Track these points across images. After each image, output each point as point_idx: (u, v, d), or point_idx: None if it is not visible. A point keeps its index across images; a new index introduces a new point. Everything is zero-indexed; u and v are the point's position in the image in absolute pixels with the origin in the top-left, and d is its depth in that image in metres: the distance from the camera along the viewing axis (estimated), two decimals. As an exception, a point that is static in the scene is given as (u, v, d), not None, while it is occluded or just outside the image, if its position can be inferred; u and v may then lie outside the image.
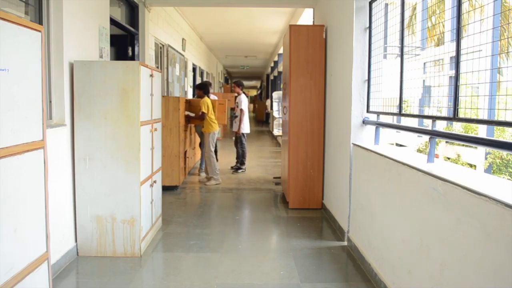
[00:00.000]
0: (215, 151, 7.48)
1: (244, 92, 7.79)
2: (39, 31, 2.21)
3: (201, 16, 9.29)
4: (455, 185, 1.92)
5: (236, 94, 7.60)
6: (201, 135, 6.99)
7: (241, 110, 7.29)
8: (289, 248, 3.74)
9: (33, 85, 2.18)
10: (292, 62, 4.81)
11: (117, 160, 3.34)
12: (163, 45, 7.37)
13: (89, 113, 3.31)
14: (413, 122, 5.02)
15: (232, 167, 7.59)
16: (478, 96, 2.18)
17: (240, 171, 7.40)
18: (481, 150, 11.04)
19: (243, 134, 7.37)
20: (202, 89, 6.49)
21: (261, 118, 24.33)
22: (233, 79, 29.13)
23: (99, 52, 3.88)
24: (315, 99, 4.84)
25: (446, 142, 11.52)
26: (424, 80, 3.46)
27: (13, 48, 2.00)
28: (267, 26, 10.09)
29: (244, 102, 7.38)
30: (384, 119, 3.45)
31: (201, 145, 7.65)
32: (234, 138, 7.62)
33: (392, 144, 5.33)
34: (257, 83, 30.73)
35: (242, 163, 7.44)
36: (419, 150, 11.12)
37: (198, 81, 11.93)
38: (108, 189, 3.37)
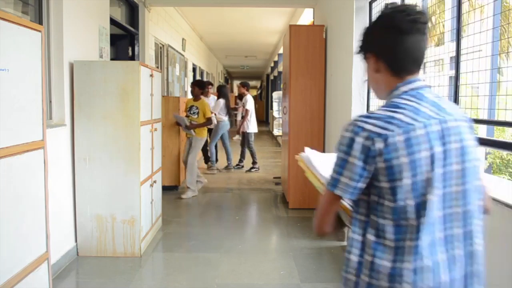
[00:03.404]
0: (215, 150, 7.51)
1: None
2: (39, 31, 2.21)
3: (201, 16, 9.28)
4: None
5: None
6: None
7: (247, 110, 7.38)
8: (289, 248, 3.74)
9: (33, 85, 2.18)
10: (292, 62, 4.81)
11: (117, 160, 3.34)
12: (163, 45, 7.37)
13: (89, 113, 3.31)
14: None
15: (234, 167, 7.60)
16: (478, 96, 2.18)
17: (253, 170, 7.42)
18: (481, 150, 11.03)
19: (249, 133, 7.39)
20: (202, 87, 5.83)
21: (261, 118, 24.36)
22: (233, 79, 29.10)
23: (99, 52, 3.88)
24: (315, 99, 4.84)
25: (446, 142, 11.47)
26: (424, 80, 3.46)
27: (13, 48, 2.00)
28: (267, 26, 10.09)
29: (250, 102, 7.47)
30: (384, 119, 3.45)
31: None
32: (241, 138, 7.68)
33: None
34: (257, 83, 30.71)
35: (254, 162, 7.45)
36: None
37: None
38: (108, 189, 3.36)
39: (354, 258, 1.09)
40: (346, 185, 1.06)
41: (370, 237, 1.07)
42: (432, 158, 1.03)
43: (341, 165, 1.06)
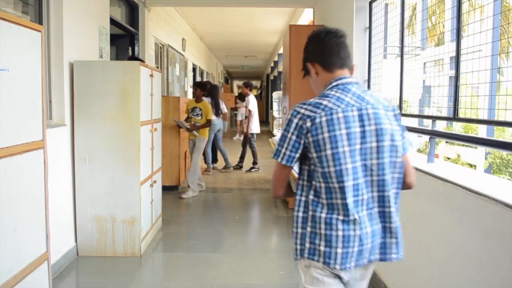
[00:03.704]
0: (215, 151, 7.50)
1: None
2: (39, 31, 2.21)
3: (201, 16, 9.28)
4: (456, 185, 1.92)
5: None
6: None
7: (250, 110, 7.33)
8: (289, 248, 3.73)
9: (33, 85, 2.18)
10: (292, 62, 4.80)
11: (117, 160, 3.34)
12: (163, 45, 7.37)
13: (89, 113, 3.31)
14: (413, 122, 5.01)
15: (233, 167, 7.59)
16: (478, 96, 2.18)
17: (253, 170, 7.42)
18: (481, 150, 11.02)
19: (252, 134, 7.37)
20: (204, 89, 5.87)
21: (261, 118, 24.37)
22: (233, 79, 29.08)
23: (99, 52, 3.88)
24: (315, 99, 4.83)
25: (446, 142, 11.51)
26: (424, 80, 3.46)
27: (13, 48, 2.00)
28: (267, 26, 10.08)
29: (252, 102, 7.43)
30: (384, 119, 3.45)
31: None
32: (242, 138, 7.66)
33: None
34: (257, 83, 30.70)
35: (255, 162, 7.46)
36: (419, 150, 11.11)
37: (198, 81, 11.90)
38: (108, 189, 3.36)
39: (301, 214, 1.42)
40: (284, 154, 1.40)
41: (311, 197, 1.40)
42: (348, 136, 1.34)
43: (282, 140, 1.41)
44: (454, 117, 2.20)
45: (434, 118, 2.48)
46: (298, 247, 1.43)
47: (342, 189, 1.34)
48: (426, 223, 2.22)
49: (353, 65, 1.53)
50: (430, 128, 2.49)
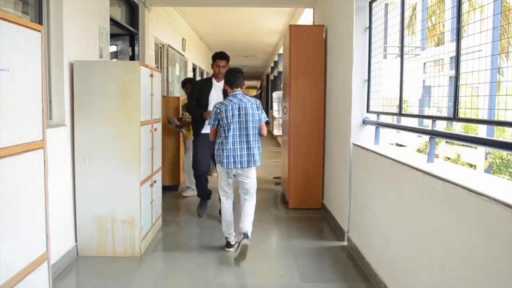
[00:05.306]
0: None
1: None
2: (39, 31, 2.21)
3: (201, 16, 9.27)
4: (455, 185, 1.91)
5: None
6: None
7: None
8: (289, 248, 3.73)
9: (33, 85, 2.19)
10: (292, 62, 4.81)
11: (117, 160, 3.34)
12: (163, 45, 7.37)
13: (89, 113, 3.31)
14: (413, 122, 5.01)
15: None
16: (478, 96, 2.18)
17: None
18: (481, 150, 11.02)
19: None
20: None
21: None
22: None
23: (99, 52, 3.87)
24: (315, 99, 4.84)
25: (446, 142, 11.49)
26: (424, 80, 3.45)
27: (13, 48, 2.00)
28: (267, 26, 10.08)
29: None
30: (384, 119, 3.45)
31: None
32: None
33: (392, 144, 5.31)
34: (257, 83, 30.66)
35: None
36: (419, 150, 11.10)
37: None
38: (108, 189, 3.36)
39: (216, 146, 3.44)
40: (212, 123, 3.45)
41: (220, 139, 3.42)
42: (233, 115, 3.35)
43: (211, 117, 3.45)
44: (454, 117, 2.20)
45: (434, 118, 2.48)
46: (215, 159, 3.44)
47: (229, 135, 3.33)
48: (426, 223, 2.22)
49: (244, 85, 3.48)
50: (430, 128, 2.49)
